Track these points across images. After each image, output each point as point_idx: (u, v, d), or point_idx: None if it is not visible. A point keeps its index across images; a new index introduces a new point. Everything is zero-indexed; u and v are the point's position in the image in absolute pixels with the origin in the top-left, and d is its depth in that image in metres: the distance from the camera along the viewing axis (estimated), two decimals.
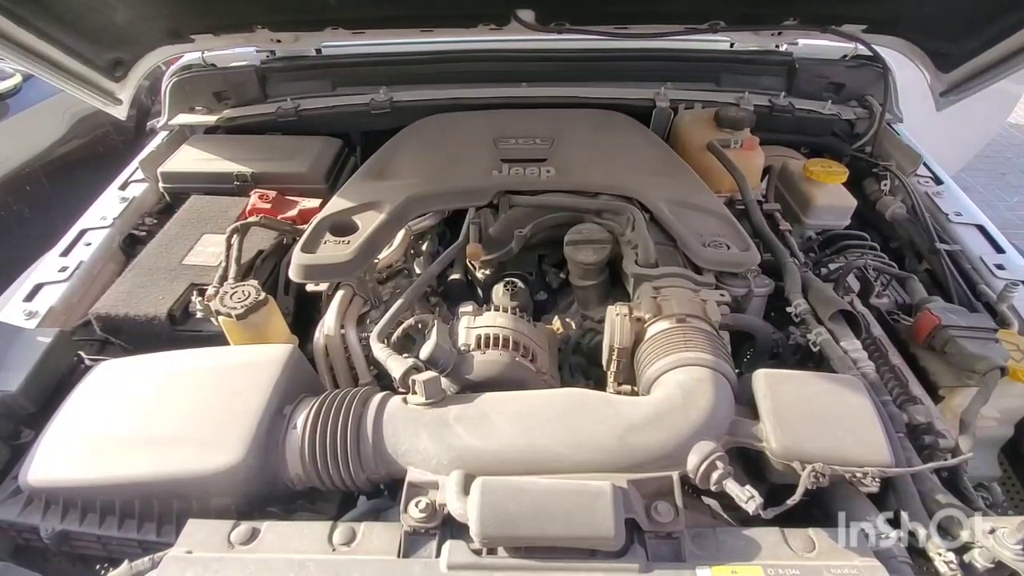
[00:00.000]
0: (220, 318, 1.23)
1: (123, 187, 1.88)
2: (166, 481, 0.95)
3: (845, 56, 2.09)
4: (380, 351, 1.17)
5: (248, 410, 0.99)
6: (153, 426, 1.01)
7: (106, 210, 1.77)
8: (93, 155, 3.62)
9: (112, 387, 1.10)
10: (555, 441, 0.94)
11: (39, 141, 3.37)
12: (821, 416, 0.95)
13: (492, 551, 0.83)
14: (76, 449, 1.01)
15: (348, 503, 1.09)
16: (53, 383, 1.19)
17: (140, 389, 1.08)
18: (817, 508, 0.98)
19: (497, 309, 1.30)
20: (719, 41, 2.15)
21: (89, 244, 1.65)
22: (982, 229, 1.65)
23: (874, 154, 2.01)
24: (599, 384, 1.38)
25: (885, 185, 1.85)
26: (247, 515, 0.96)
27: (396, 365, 1.10)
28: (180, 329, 1.38)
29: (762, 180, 1.87)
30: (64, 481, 0.99)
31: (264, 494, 1.00)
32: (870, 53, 1.95)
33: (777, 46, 2.12)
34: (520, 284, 1.51)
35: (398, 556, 0.84)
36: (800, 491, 0.87)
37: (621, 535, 0.80)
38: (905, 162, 1.91)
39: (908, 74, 2.01)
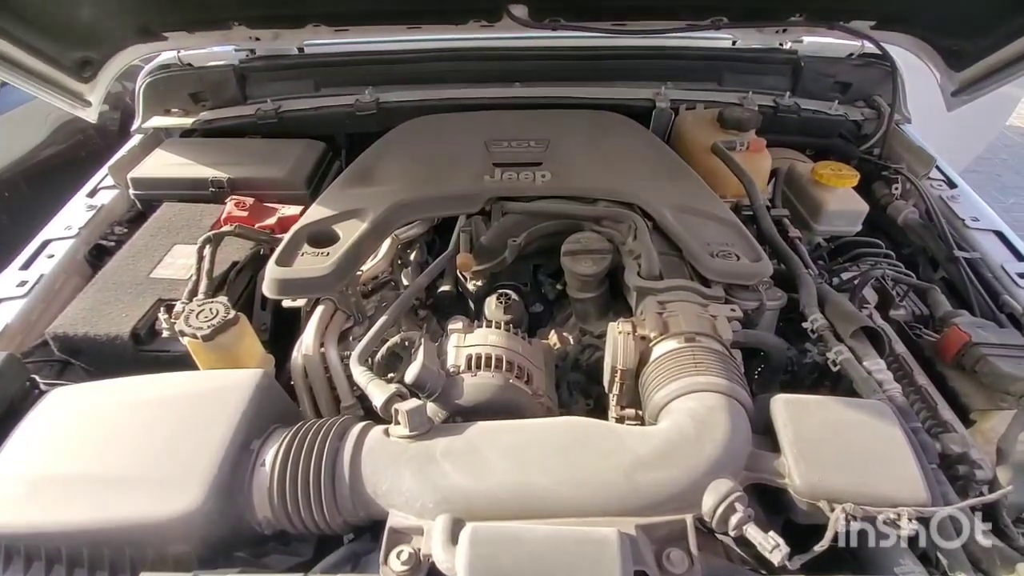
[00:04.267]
0: (185, 339, 1.12)
1: (91, 194, 1.78)
2: (115, 529, 0.84)
3: (851, 54, 2.01)
4: (361, 375, 1.08)
5: (210, 446, 0.89)
6: (103, 464, 0.90)
7: (72, 219, 1.67)
8: (75, 160, 3.53)
9: (61, 419, 0.99)
10: (554, 480, 0.84)
11: (19, 145, 3.28)
12: (849, 449, 0.86)
13: None
14: (17, 490, 0.90)
15: (327, 542, 0.99)
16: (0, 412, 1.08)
17: (92, 421, 0.98)
18: (845, 547, 0.88)
19: (489, 324, 1.21)
20: (721, 39, 2.08)
21: (52, 256, 1.55)
22: (1001, 235, 1.57)
23: (883, 156, 1.93)
24: (599, 403, 1.29)
25: (896, 189, 1.77)
26: (210, 562, 0.87)
27: (378, 392, 1.01)
28: (145, 349, 1.27)
29: (768, 184, 1.79)
30: (3, 526, 0.88)
31: (228, 539, 0.89)
32: (877, 51, 1.87)
33: (781, 44, 2.05)
34: (514, 296, 1.43)
35: None
36: (829, 536, 0.78)
37: None
38: (917, 164, 1.83)
39: (909, 76, 1.95)
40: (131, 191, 1.77)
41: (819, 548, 0.78)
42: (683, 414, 0.92)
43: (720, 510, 0.79)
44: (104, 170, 1.83)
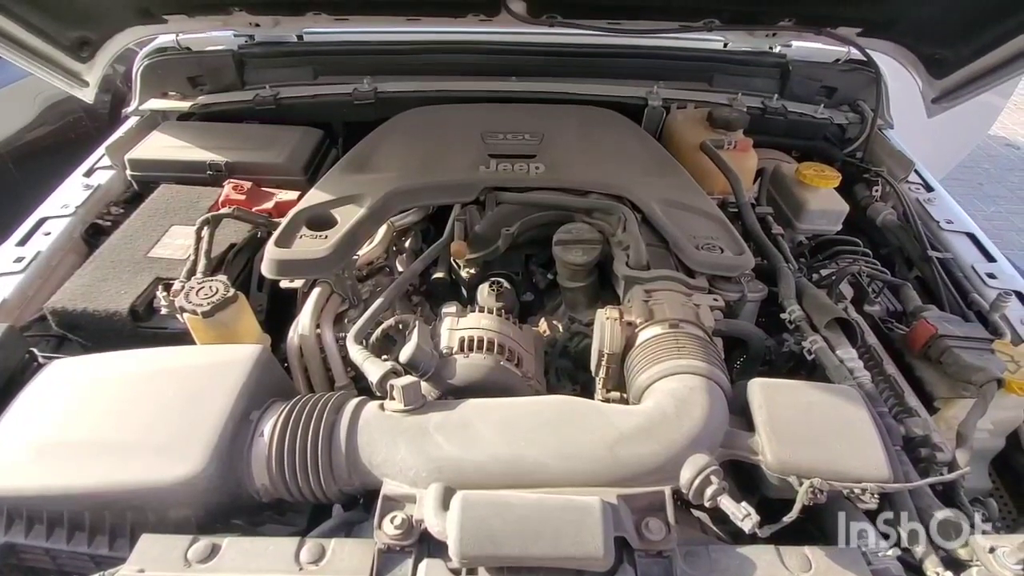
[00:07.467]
0: (185, 315, 1.15)
1: (88, 174, 1.78)
2: (118, 492, 0.87)
3: (838, 60, 2.07)
4: (357, 353, 1.11)
5: (211, 415, 0.92)
6: (107, 431, 0.93)
7: (68, 198, 1.67)
8: (64, 142, 3.48)
9: (64, 388, 1.02)
10: (542, 452, 0.89)
11: (7, 126, 3.23)
12: (819, 429, 0.91)
13: (472, 571, 0.78)
14: (21, 455, 0.92)
15: (320, 513, 1.03)
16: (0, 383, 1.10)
17: (94, 391, 1.00)
18: (812, 523, 0.94)
19: (482, 310, 1.25)
20: (713, 40, 2.13)
21: (48, 233, 1.55)
22: (973, 237, 1.64)
23: (865, 159, 2.00)
24: (586, 389, 1.34)
25: (876, 191, 1.84)
26: (208, 528, 0.90)
27: (374, 368, 1.04)
28: (143, 326, 1.29)
29: (754, 183, 1.84)
30: (7, 490, 0.90)
31: (227, 506, 0.93)
32: (863, 57, 1.93)
33: (771, 48, 2.10)
34: (506, 284, 1.47)
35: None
36: (797, 508, 0.83)
37: (610, 555, 0.75)
38: (897, 168, 1.89)
39: (894, 84, 2.01)
40: (128, 172, 1.77)
41: (788, 519, 0.83)
42: (665, 394, 0.97)
43: (696, 482, 0.84)
44: (101, 150, 1.84)
